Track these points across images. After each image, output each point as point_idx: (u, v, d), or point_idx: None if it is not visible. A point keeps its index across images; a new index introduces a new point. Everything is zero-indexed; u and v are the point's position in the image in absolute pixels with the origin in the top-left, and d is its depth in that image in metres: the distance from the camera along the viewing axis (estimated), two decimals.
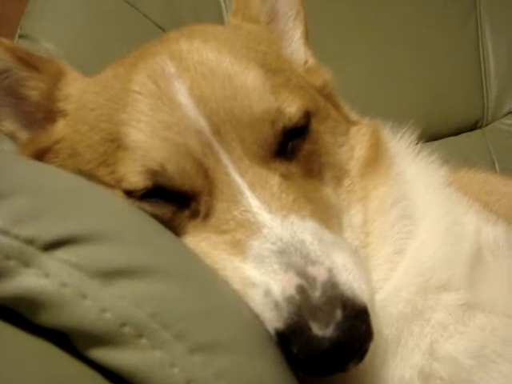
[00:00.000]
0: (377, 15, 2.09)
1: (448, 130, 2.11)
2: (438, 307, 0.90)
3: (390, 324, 0.88)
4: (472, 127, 2.13)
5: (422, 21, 2.13)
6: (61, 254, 0.61)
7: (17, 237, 0.59)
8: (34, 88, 1.03)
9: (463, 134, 2.12)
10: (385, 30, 2.08)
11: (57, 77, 1.02)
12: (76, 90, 1.00)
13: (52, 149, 1.00)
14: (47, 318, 0.59)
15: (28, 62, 1.02)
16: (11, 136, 1.06)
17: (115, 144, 0.88)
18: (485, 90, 2.13)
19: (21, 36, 1.75)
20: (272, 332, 0.74)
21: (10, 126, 1.05)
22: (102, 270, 0.61)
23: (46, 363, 0.58)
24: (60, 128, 1.00)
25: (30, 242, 0.60)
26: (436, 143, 1.99)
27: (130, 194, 0.86)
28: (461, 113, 2.12)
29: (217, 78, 0.87)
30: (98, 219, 0.67)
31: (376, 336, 0.82)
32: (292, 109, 0.89)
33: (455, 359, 0.86)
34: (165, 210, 0.85)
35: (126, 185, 0.86)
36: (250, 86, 0.87)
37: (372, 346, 0.77)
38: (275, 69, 0.94)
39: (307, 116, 0.92)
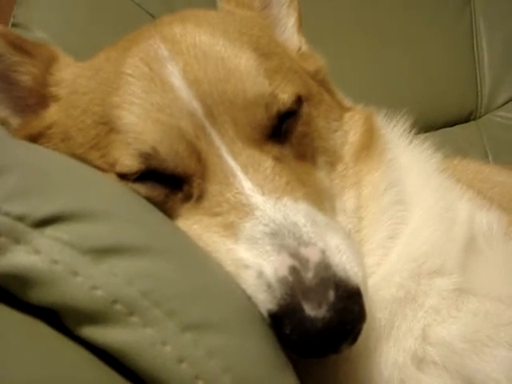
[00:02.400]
0: (372, 7, 2.09)
1: (442, 122, 2.11)
2: (431, 292, 0.90)
3: (383, 308, 0.88)
4: (466, 119, 2.13)
5: (417, 13, 2.13)
6: (52, 231, 0.60)
7: (7, 214, 0.59)
8: (26, 73, 1.02)
9: (457, 126, 2.12)
10: (379, 21, 2.08)
11: (49, 61, 1.02)
12: (68, 74, 1.00)
13: (44, 134, 0.99)
14: (38, 296, 0.59)
15: (20, 46, 1.01)
16: (3, 122, 1.05)
17: (107, 127, 0.88)
18: (479, 82, 2.13)
19: (14, 25, 1.74)
20: (265, 314, 0.73)
21: (1, 111, 1.04)
22: (94, 248, 0.61)
23: (37, 342, 0.57)
24: (52, 113, 0.99)
25: (20, 218, 0.59)
26: (430, 134, 1.99)
27: (123, 177, 0.85)
28: (455, 104, 2.13)
29: (210, 60, 0.86)
30: (89, 197, 0.66)
31: (369, 319, 0.82)
32: (286, 94, 0.88)
33: (448, 343, 0.86)
34: (158, 192, 0.85)
35: (120, 168, 0.85)
36: (243, 69, 0.87)
37: (365, 328, 0.77)
38: (268, 53, 0.94)
39: (300, 100, 0.91)
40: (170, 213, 0.85)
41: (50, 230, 0.60)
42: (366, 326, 0.78)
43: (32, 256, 0.58)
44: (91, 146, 0.91)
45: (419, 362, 0.86)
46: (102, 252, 0.61)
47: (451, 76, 2.12)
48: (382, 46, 2.05)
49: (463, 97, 2.13)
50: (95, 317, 0.59)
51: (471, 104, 2.13)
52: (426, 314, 0.88)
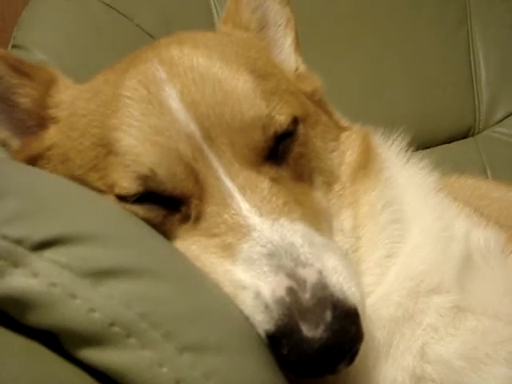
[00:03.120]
0: (370, 23, 2.11)
1: (440, 138, 2.12)
2: (428, 310, 0.90)
3: (381, 327, 0.88)
4: (464, 135, 2.13)
5: (414, 30, 2.15)
6: (50, 254, 0.61)
7: (5, 237, 0.59)
8: (25, 95, 1.03)
9: (455, 142, 2.13)
10: (377, 38, 2.09)
11: (48, 84, 1.03)
12: (67, 96, 1.01)
13: (44, 155, 1.00)
14: (36, 319, 0.59)
15: (19, 69, 1.02)
16: (3, 143, 1.06)
17: (106, 149, 0.89)
18: (476, 99, 2.14)
19: (14, 46, 1.75)
20: (263, 334, 0.74)
21: (1, 133, 1.05)
22: (92, 270, 0.61)
23: (36, 365, 0.58)
24: (51, 134, 1.00)
25: (18, 242, 0.60)
26: (428, 151, 2.00)
27: (122, 198, 0.86)
28: (453, 121, 2.13)
29: (207, 83, 0.87)
30: (87, 220, 0.67)
31: (367, 338, 0.83)
32: (283, 116, 0.89)
33: (446, 361, 0.86)
34: (156, 213, 0.86)
35: (118, 190, 0.86)
36: (240, 91, 0.88)
37: (362, 348, 0.77)
38: (265, 74, 0.95)
39: (296, 121, 0.92)
40: (168, 234, 0.86)
41: (48, 253, 0.61)
42: (364, 345, 0.78)
43: (30, 279, 0.59)
44: (90, 168, 0.91)
45: (418, 380, 0.86)
46: (100, 275, 0.62)
47: (448, 93, 2.13)
48: (377, 64, 2.06)
49: (461, 113, 2.13)
50: (93, 339, 0.59)
51: (469, 120, 2.13)
52: (424, 333, 0.88)
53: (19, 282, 0.59)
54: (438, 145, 2.10)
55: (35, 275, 0.59)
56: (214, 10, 1.97)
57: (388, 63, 2.11)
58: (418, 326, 0.89)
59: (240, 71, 0.90)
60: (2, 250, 0.59)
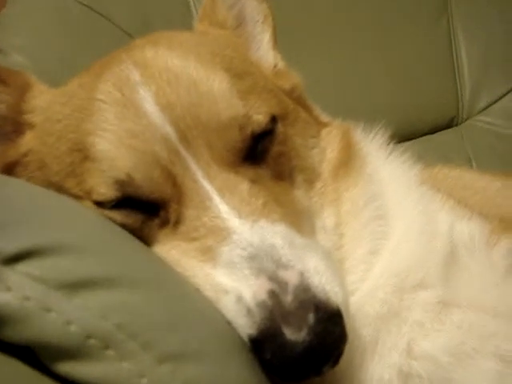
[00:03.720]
0: (349, 17, 2.10)
1: (423, 129, 2.12)
2: (414, 306, 0.89)
3: (367, 324, 0.87)
4: (447, 125, 2.13)
5: (394, 20, 2.14)
6: (23, 267, 0.59)
7: None
8: (0, 101, 1.01)
9: (439, 133, 2.12)
10: (356, 30, 2.08)
11: (23, 89, 1.01)
12: (42, 101, 0.99)
13: (21, 162, 0.98)
14: (12, 334, 0.58)
15: None
16: None
17: (82, 154, 0.87)
18: (459, 88, 2.14)
19: None
20: (245, 339, 0.73)
21: None
22: (66, 282, 0.60)
23: (13, 381, 0.56)
24: (27, 140, 0.99)
25: None
26: (412, 142, 2.00)
27: (99, 204, 0.85)
28: (435, 111, 2.13)
29: (182, 84, 0.86)
30: (60, 231, 0.66)
31: (353, 337, 0.82)
32: (260, 116, 0.88)
33: (433, 357, 0.85)
34: (134, 219, 0.85)
35: (96, 196, 0.85)
36: (216, 91, 0.86)
37: (348, 347, 0.76)
38: (242, 73, 0.93)
39: (275, 119, 0.91)
40: (147, 239, 0.85)
41: (21, 266, 0.59)
42: (349, 344, 0.78)
43: (3, 294, 0.57)
44: (67, 174, 0.90)
45: (405, 377, 0.86)
46: (75, 286, 0.60)
47: (431, 83, 2.12)
48: (357, 58, 2.05)
49: (444, 103, 2.13)
50: (70, 352, 0.58)
51: (452, 110, 2.13)
52: (410, 329, 0.88)
53: None
54: (421, 136, 2.10)
55: (8, 289, 0.58)
56: (193, 9, 1.95)
57: (368, 56, 2.10)
58: (403, 322, 0.88)
59: (215, 71, 0.89)
60: None
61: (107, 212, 0.84)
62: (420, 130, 2.12)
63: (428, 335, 0.87)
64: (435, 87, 2.15)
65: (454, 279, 0.92)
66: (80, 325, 0.58)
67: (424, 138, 2.10)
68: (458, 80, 2.16)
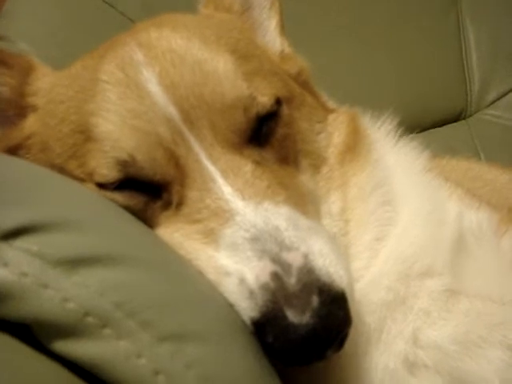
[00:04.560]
0: (357, 9, 2.08)
1: (432, 122, 2.10)
2: (420, 294, 0.88)
3: (371, 312, 0.85)
4: (456, 118, 2.11)
5: (403, 13, 2.12)
6: (21, 242, 0.58)
7: None
8: (3, 84, 1.00)
9: (448, 126, 2.10)
10: (365, 22, 2.06)
11: (26, 72, 1.00)
12: (46, 84, 0.98)
13: (24, 144, 0.97)
14: (8, 310, 0.57)
15: None
16: None
17: (84, 135, 0.86)
18: (467, 81, 2.11)
19: None
20: (248, 322, 0.71)
21: None
22: (65, 259, 0.59)
23: (7, 358, 0.55)
24: (30, 123, 0.98)
25: None
26: (420, 135, 1.97)
27: (102, 186, 0.84)
28: (444, 104, 2.11)
29: (186, 64, 0.85)
30: (59, 207, 0.64)
31: (357, 324, 0.81)
32: (265, 97, 0.87)
33: (439, 346, 0.84)
34: (137, 201, 0.83)
35: (98, 178, 0.84)
36: (220, 72, 0.85)
37: (352, 334, 0.75)
38: (247, 55, 0.92)
39: (279, 102, 0.89)
40: (149, 221, 0.83)
41: (18, 242, 0.58)
42: (354, 331, 0.76)
43: (0, 269, 0.56)
44: (69, 156, 0.89)
45: (410, 366, 0.84)
46: (74, 263, 0.59)
47: (439, 76, 2.10)
48: (367, 48, 2.03)
49: (452, 96, 2.11)
50: (67, 330, 0.57)
51: (461, 103, 2.11)
52: (416, 317, 0.86)
53: None
54: (429, 128, 2.08)
55: (5, 265, 0.56)
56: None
57: (377, 49, 2.08)
58: (409, 310, 0.86)
59: (220, 52, 0.87)
60: None
61: (109, 194, 0.83)
62: (428, 123, 2.09)
63: (434, 324, 0.86)
64: (444, 80, 2.13)
65: (462, 267, 0.91)
66: (78, 302, 0.57)
67: (432, 130, 2.08)
68: (466, 73, 2.14)
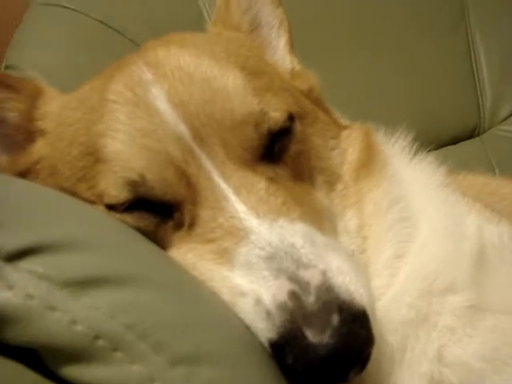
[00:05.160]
0: (368, 26, 2.07)
1: (445, 140, 2.07)
2: (443, 311, 0.84)
3: (393, 330, 0.82)
4: (469, 135, 2.08)
5: (413, 31, 2.10)
6: (26, 264, 0.56)
7: None
8: (12, 109, 0.99)
9: (461, 143, 2.07)
10: (376, 41, 2.05)
11: (34, 96, 0.99)
12: (54, 107, 0.97)
13: (32, 169, 0.96)
14: (14, 335, 0.54)
15: (5, 83, 0.99)
16: None
17: (94, 157, 0.84)
18: (480, 97, 2.09)
19: (6, 67, 1.73)
20: (265, 343, 0.68)
21: None
22: (72, 280, 0.56)
23: None
24: (39, 147, 0.96)
25: None
26: (434, 152, 1.95)
27: (111, 208, 0.82)
28: (457, 122, 2.08)
29: (195, 82, 0.83)
30: (66, 227, 0.62)
31: (380, 344, 0.77)
32: (277, 112, 0.85)
33: (465, 363, 0.80)
34: (148, 222, 0.81)
35: (107, 199, 0.82)
36: (230, 88, 0.83)
37: (374, 354, 0.72)
38: (257, 72, 0.90)
39: (292, 118, 0.87)
40: (162, 243, 0.81)
41: (24, 263, 0.56)
42: (376, 351, 0.73)
43: (5, 292, 0.54)
44: (78, 179, 0.87)
45: None
46: (82, 284, 0.56)
47: (451, 93, 2.08)
48: (378, 66, 2.02)
49: (465, 113, 2.08)
50: (76, 354, 0.54)
51: (474, 120, 2.08)
52: (440, 335, 0.83)
53: None
54: (443, 146, 2.05)
55: (10, 287, 0.54)
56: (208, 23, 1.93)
57: (388, 66, 2.07)
58: (433, 327, 0.83)
59: (230, 68, 0.86)
60: None
61: (119, 215, 0.81)
62: (442, 141, 2.06)
63: (460, 341, 0.82)
64: (456, 97, 2.11)
65: (484, 282, 0.87)
66: (87, 325, 0.54)
67: (446, 148, 2.05)
68: (478, 89, 2.11)
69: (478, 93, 2.10)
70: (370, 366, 0.75)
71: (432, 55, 2.11)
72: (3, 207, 0.60)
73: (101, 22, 1.88)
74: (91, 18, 1.86)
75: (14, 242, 0.56)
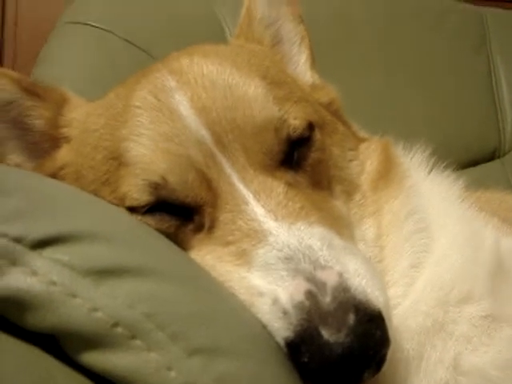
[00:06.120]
0: (388, 48, 2.09)
1: (465, 162, 2.06)
2: (460, 320, 0.84)
3: (410, 338, 0.82)
4: (490, 158, 2.08)
5: (434, 54, 2.12)
6: (51, 252, 0.57)
7: (5, 235, 0.56)
8: (38, 117, 1.02)
9: (481, 165, 2.07)
10: (396, 62, 2.07)
11: (60, 103, 1.02)
12: (79, 114, 0.99)
13: (57, 175, 0.98)
14: (35, 320, 0.56)
15: (32, 91, 1.01)
16: (18, 168, 1.04)
17: (117, 162, 0.86)
18: (500, 119, 2.09)
19: None
20: (281, 343, 0.69)
21: (16, 158, 1.03)
22: (95, 269, 0.58)
23: (33, 367, 0.54)
24: (64, 154, 0.99)
25: (18, 240, 0.57)
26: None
27: (133, 210, 0.83)
28: (477, 144, 2.08)
29: (218, 88, 0.85)
30: (90, 219, 0.64)
31: (396, 350, 0.77)
32: (297, 120, 0.87)
33: (482, 371, 0.80)
34: (168, 224, 0.82)
35: (129, 202, 0.83)
36: (251, 96, 0.85)
37: (391, 361, 0.72)
38: (278, 81, 0.92)
39: (311, 127, 0.89)
40: (182, 245, 0.82)
41: (48, 252, 0.57)
42: (393, 359, 0.73)
43: (29, 278, 0.55)
44: (102, 183, 0.89)
45: None
46: (103, 274, 0.58)
47: (471, 115, 2.09)
48: (397, 88, 2.03)
49: (485, 135, 2.09)
50: (95, 340, 0.55)
51: (494, 142, 2.08)
52: (457, 343, 0.82)
53: (17, 280, 0.56)
54: (463, 168, 2.04)
55: (34, 274, 0.56)
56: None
57: (408, 88, 2.08)
58: (449, 336, 0.83)
59: (251, 77, 0.88)
60: (0, 248, 0.56)
61: (140, 218, 0.82)
62: (461, 164, 2.06)
63: (476, 349, 0.82)
64: (476, 120, 2.11)
65: (501, 293, 0.87)
66: (106, 312, 0.56)
67: (466, 170, 2.05)
68: (499, 112, 2.12)
69: (499, 115, 2.10)
70: (386, 372, 0.75)
71: (453, 78, 2.12)
72: (31, 199, 0.62)
73: (126, 40, 1.91)
74: (117, 37, 1.90)
75: (39, 231, 0.58)
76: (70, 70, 1.83)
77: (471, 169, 2.08)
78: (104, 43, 1.90)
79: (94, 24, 1.91)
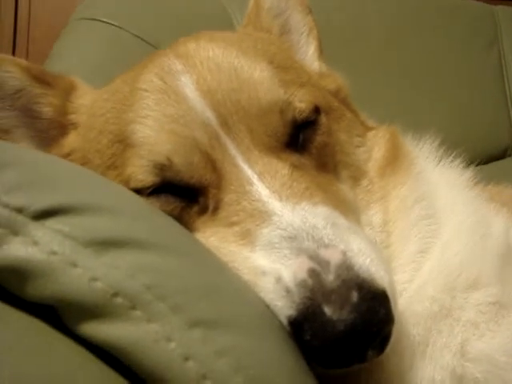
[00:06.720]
0: (401, 44, 2.08)
1: (477, 160, 2.04)
2: (467, 306, 0.83)
3: (416, 323, 0.81)
4: (501, 155, 2.07)
5: (447, 52, 2.11)
6: (52, 223, 0.57)
7: (6, 205, 0.56)
8: (47, 104, 1.02)
9: (493, 163, 2.06)
10: (408, 60, 2.06)
11: (68, 91, 1.02)
12: (87, 100, 1.00)
13: None
14: (35, 290, 0.55)
15: (42, 79, 1.01)
16: None
17: (123, 144, 0.86)
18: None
19: None
20: (284, 321, 0.68)
21: (25, 146, 1.03)
22: (96, 240, 0.57)
23: (31, 336, 0.54)
24: (71, 140, 0.99)
25: (19, 210, 0.57)
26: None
27: (137, 192, 0.83)
28: (489, 142, 2.07)
29: (223, 71, 0.85)
30: (92, 192, 0.64)
31: (401, 336, 0.77)
32: (302, 103, 0.86)
33: (489, 357, 0.79)
34: (173, 206, 0.82)
35: (134, 183, 0.83)
36: (257, 78, 0.85)
37: (396, 346, 0.72)
38: (284, 66, 0.92)
39: (318, 110, 0.89)
40: (186, 227, 0.82)
41: (50, 222, 0.57)
42: (398, 344, 0.73)
43: (30, 247, 0.55)
44: (108, 166, 0.89)
45: (459, 379, 0.79)
46: (105, 244, 0.58)
47: (483, 113, 2.08)
48: (409, 85, 2.02)
49: (497, 133, 2.08)
50: (94, 311, 0.55)
51: (506, 140, 2.07)
52: (464, 329, 0.81)
53: (18, 250, 0.55)
54: (474, 166, 2.03)
55: (35, 243, 0.55)
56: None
57: (420, 86, 2.07)
58: (456, 322, 0.82)
59: (257, 60, 0.88)
60: (1, 219, 0.56)
61: (145, 199, 0.82)
62: (473, 161, 2.04)
63: (483, 335, 0.81)
64: (487, 117, 2.10)
65: (510, 280, 0.86)
66: (106, 282, 0.55)
67: (477, 167, 2.03)
68: (510, 109, 2.10)
69: (511, 112, 2.09)
70: (391, 357, 0.74)
71: (465, 76, 2.11)
72: (33, 171, 0.62)
73: (137, 36, 1.92)
74: (128, 33, 1.91)
75: (40, 202, 0.58)
76: (81, 66, 1.84)
77: (482, 166, 2.05)
78: (115, 39, 1.91)
79: (105, 20, 1.92)
